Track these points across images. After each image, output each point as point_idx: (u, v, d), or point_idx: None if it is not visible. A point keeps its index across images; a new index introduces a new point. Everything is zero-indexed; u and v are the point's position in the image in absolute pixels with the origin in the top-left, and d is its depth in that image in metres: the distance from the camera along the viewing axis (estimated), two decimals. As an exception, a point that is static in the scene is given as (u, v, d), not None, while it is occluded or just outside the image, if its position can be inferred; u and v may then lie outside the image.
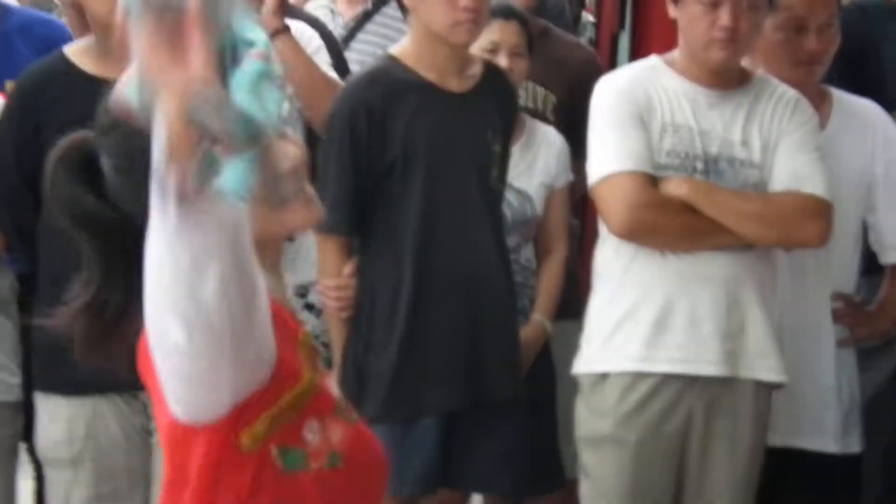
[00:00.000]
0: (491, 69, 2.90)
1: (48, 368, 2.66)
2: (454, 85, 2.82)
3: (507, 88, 2.96)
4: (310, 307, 3.18)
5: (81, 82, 2.60)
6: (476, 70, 2.86)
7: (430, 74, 2.80)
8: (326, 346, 3.10)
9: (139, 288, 1.32)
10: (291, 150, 1.46)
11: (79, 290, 1.43)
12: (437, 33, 2.76)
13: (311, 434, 1.42)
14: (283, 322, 1.41)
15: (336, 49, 3.34)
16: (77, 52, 2.68)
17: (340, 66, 3.25)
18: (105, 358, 1.42)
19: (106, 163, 1.42)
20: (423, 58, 2.80)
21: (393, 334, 2.78)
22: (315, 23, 3.34)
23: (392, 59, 2.83)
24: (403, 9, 2.82)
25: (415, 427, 2.81)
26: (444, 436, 2.84)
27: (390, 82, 2.78)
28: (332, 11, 3.81)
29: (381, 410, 2.80)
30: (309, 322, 3.17)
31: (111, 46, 2.61)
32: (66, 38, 3.06)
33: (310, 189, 1.48)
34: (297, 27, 3.11)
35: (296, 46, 3.01)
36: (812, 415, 2.84)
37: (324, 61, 3.11)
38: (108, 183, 1.43)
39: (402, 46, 2.85)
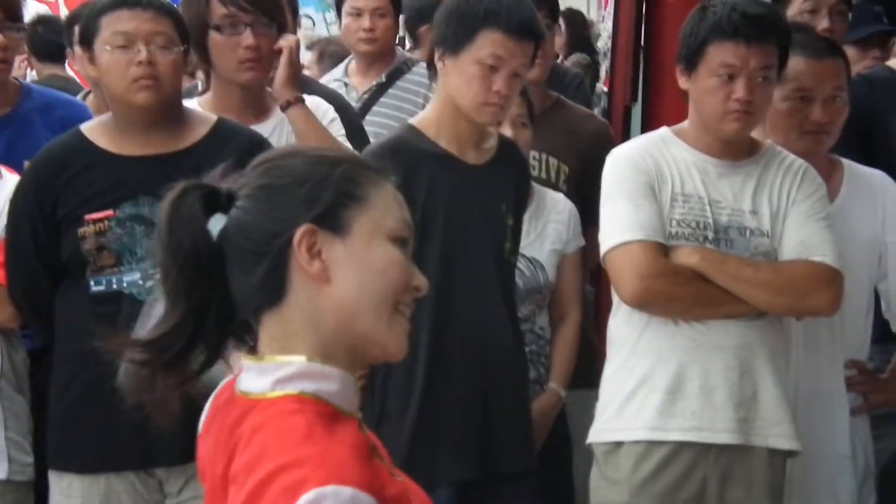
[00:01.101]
0: (506, 143, 2.94)
1: (62, 447, 2.67)
2: (472, 157, 2.85)
3: (520, 162, 3.00)
4: None
5: (99, 159, 2.64)
6: (492, 143, 2.90)
7: (449, 146, 2.83)
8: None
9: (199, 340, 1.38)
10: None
11: (155, 326, 1.44)
12: (464, 109, 2.79)
13: None
14: (388, 496, 1.40)
15: (355, 122, 3.39)
16: (94, 129, 2.73)
17: (359, 136, 3.29)
18: (149, 397, 1.45)
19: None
20: (443, 129, 2.83)
21: (409, 404, 2.79)
22: (332, 96, 3.39)
23: (412, 129, 2.87)
24: (433, 72, 2.86)
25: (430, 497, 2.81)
26: None
27: (411, 151, 2.82)
28: (346, 85, 3.87)
29: None
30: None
31: (128, 123, 2.67)
32: (85, 118, 3.13)
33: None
34: (312, 101, 3.15)
35: (308, 116, 3.06)
36: (827, 483, 2.84)
37: (337, 132, 3.16)
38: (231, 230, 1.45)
39: (423, 116, 2.89)
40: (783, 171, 2.73)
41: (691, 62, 2.69)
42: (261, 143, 2.78)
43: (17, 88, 3.17)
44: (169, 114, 2.69)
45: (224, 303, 1.45)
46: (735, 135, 2.67)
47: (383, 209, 1.46)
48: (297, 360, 1.43)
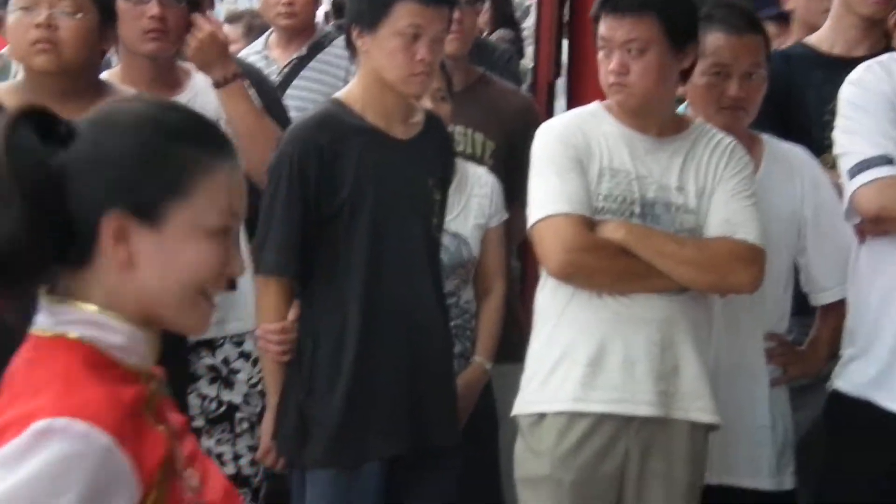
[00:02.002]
0: (432, 117, 2.93)
1: None
2: (399, 132, 2.84)
3: (445, 136, 2.99)
4: (245, 355, 3.16)
5: None
6: (419, 118, 2.88)
7: (376, 120, 2.81)
8: (262, 394, 3.09)
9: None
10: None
11: None
12: (390, 82, 2.78)
13: None
14: (149, 460, 1.39)
15: (272, 96, 3.35)
16: (6, 92, 2.65)
17: (277, 110, 3.25)
18: None
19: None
20: (369, 104, 2.81)
21: (338, 380, 2.78)
22: (251, 71, 3.35)
23: (338, 104, 2.84)
24: (353, 51, 2.84)
25: (359, 473, 2.80)
26: (386, 482, 2.83)
27: (338, 126, 2.79)
28: (267, 58, 3.83)
29: (325, 456, 2.78)
30: (244, 370, 3.16)
31: (35, 93, 2.60)
32: None
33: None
34: None
35: (245, 94, 3.01)
36: (747, 453, 2.87)
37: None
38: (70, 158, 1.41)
39: (349, 91, 2.86)
40: (711, 147, 2.75)
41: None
42: None
43: None
44: (78, 84, 2.61)
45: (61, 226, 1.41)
46: (620, 107, 2.70)
47: (207, 203, 1.42)
48: (87, 308, 1.42)
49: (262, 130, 2.99)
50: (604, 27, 2.68)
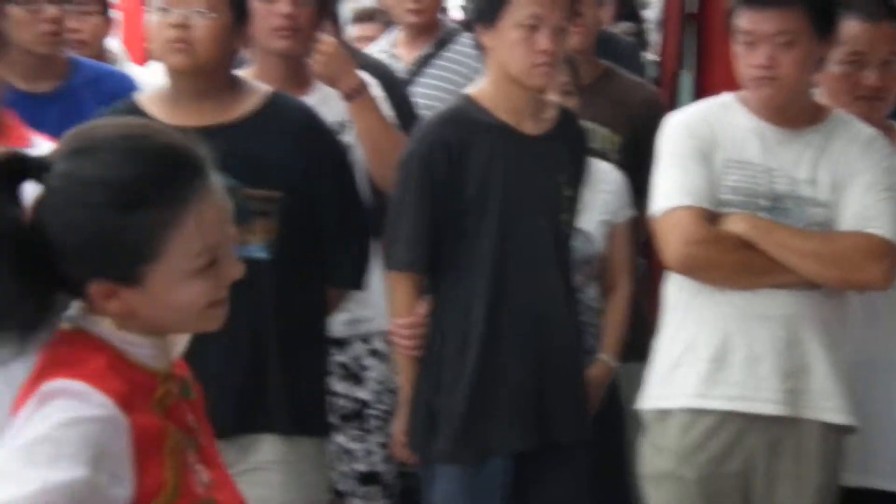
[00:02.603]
0: (565, 113, 2.92)
1: None
2: (529, 128, 2.84)
3: (579, 133, 2.98)
4: (376, 353, 3.20)
5: None
6: (551, 114, 2.88)
7: (506, 116, 2.82)
8: (393, 392, 3.12)
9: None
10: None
11: None
12: (514, 76, 2.78)
13: None
14: (149, 434, 1.45)
15: (403, 96, 3.37)
16: (149, 98, 2.73)
17: (407, 111, 3.26)
18: None
19: (54, 186, 1.45)
20: (499, 99, 2.82)
21: (463, 374, 2.79)
22: (379, 69, 3.36)
23: (468, 100, 2.86)
24: (481, 48, 2.85)
25: (484, 468, 2.81)
26: (512, 477, 2.83)
27: (467, 122, 2.81)
28: (393, 56, 3.85)
29: (450, 450, 2.80)
30: (375, 368, 3.19)
31: (177, 92, 2.67)
32: (133, 91, 3.13)
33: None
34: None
35: (372, 106, 3.02)
36: (890, 453, 2.79)
37: (385, 112, 3.13)
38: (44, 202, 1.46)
39: (479, 87, 2.88)
40: (848, 138, 2.68)
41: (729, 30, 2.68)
42: (317, 120, 2.76)
43: (66, 62, 3.18)
44: (215, 83, 2.67)
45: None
46: (764, 101, 2.65)
47: (181, 254, 1.46)
48: (104, 323, 1.49)
49: (390, 142, 3.00)
50: (746, 20, 2.63)
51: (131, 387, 1.45)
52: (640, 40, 5.59)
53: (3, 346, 1.44)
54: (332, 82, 3.00)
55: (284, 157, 2.65)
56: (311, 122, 2.75)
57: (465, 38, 3.77)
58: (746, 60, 2.64)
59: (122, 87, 3.14)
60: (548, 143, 2.85)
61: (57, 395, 1.40)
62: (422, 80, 3.79)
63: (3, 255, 1.41)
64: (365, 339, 3.15)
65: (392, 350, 3.02)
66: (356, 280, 2.79)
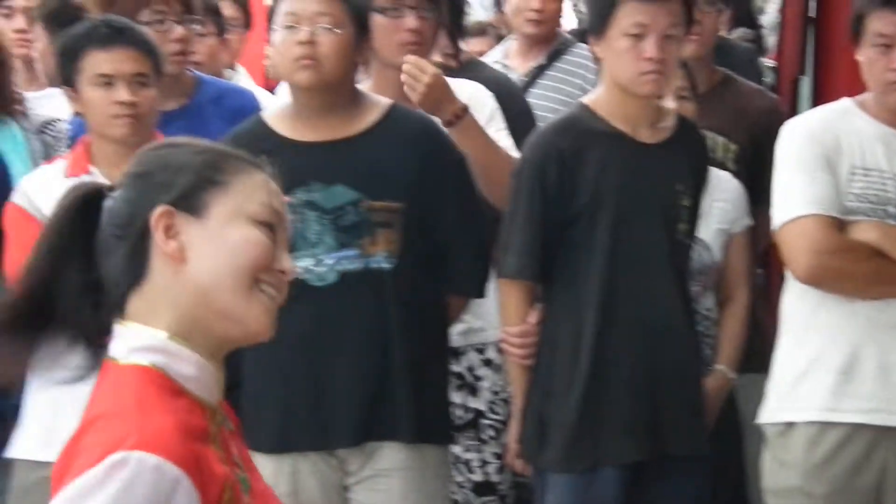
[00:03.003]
0: (684, 123, 2.90)
1: (251, 429, 2.73)
2: (646, 136, 2.82)
3: (699, 142, 2.95)
4: (488, 363, 3.19)
5: (276, 145, 2.67)
6: (669, 122, 2.86)
7: (621, 124, 2.81)
8: (507, 402, 3.11)
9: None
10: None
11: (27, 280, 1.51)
12: (623, 85, 2.77)
13: None
14: (212, 494, 1.44)
15: (521, 108, 3.33)
16: (274, 115, 2.77)
17: (524, 122, 3.23)
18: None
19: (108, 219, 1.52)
20: (614, 107, 2.81)
21: (574, 383, 2.78)
22: (500, 81, 3.34)
23: (584, 108, 2.85)
24: (595, 58, 2.85)
25: (595, 478, 2.79)
26: (625, 489, 2.80)
27: (582, 131, 2.81)
28: (506, 67, 3.86)
29: (560, 459, 2.79)
30: (488, 378, 3.19)
31: (302, 108, 2.70)
32: (256, 108, 3.17)
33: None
34: (471, 90, 3.11)
35: (476, 127, 2.99)
36: None
37: (497, 126, 3.10)
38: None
39: (595, 95, 2.87)
40: None
41: (855, 33, 2.63)
42: (436, 130, 2.79)
43: (192, 80, 3.25)
44: (339, 98, 2.70)
45: (89, 285, 1.51)
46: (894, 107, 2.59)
47: (246, 194, 1.50)
48: (155, 335, 1.48)
49: (497, 161, 2.97)
50: (882, 23, 2.58)
51: (192, 438, 1.44)
52: (758, 46, 5.52)
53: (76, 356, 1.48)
54: (433, 112, 2.96)
55: (405, 168, 2.68)
56: (430, 133, 2.78)
57: (580, 49, 3.76)
58: (881, 64, 2.58)
59: (245, 104, 3.20)
60: (665, 151, 2.83)
61: (126, 468, 1.38)
62: (535, 90, 3.79)
63: (73, 273, 1.48)
64: (479, 349, 3.15)
65: (504, 359, 3.02)
66: (478, 288, 2.81)
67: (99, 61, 2.73)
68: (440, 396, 2.78)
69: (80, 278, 1.50)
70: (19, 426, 2.73)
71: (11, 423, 2.77)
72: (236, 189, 1.50)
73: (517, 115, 3.19)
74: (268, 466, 2.65)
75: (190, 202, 1.48)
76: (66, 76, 2.80)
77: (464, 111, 2.96)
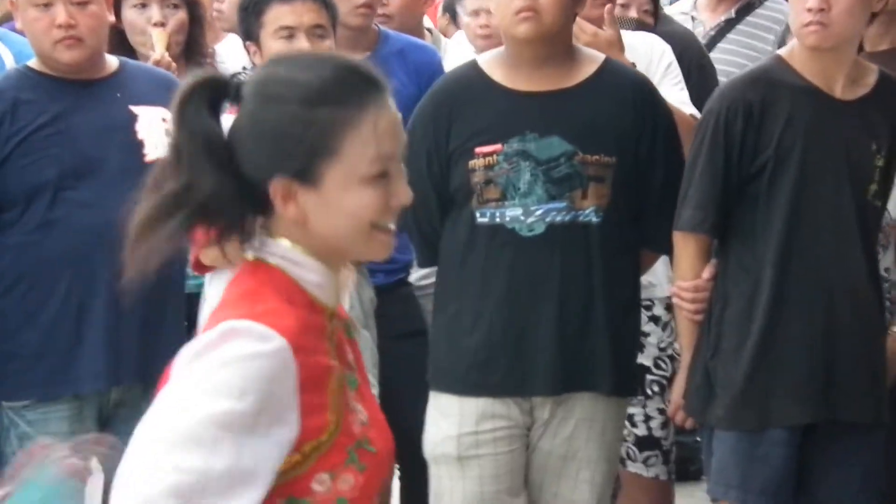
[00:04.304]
0: (887, 79, 2.81)
1: (440, 370, 2.77)
2: (841, 92, 2.76)
3: None
4: (655, 319, 3.19)
5: (491, 92, 2.72)
6: (871, 80, 2.79)
7: (815, 79, 2.75)
8: (672, 358, 3.10)
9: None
10: None
11: (165, 181, 1.56)
12: (796, 36, 2.72)
13: (320, 486, 1.52)
14: (315, 374, 1.51)
15: (702, 62, 3.30)
16: (489, 62, 2.79)
17: (706, 76, 3.19)
18: (137, 248, 1.55)
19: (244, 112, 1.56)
20: (808, 60, 2.75)
21: (745, 343, 2.73)
22: (681, 35, 3.30)
23: (778, 60, 2.80)
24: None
25: (763, 438, 2.74)
26: (797, 451, 2.75)
27: (772, 83, 2.76)
28: (694, 19, 3.80)
29: (727, 418, 2.75)
30: (654, 334, 3.19)
31: (517, 58, 2.72)
32: (438, 63, 3.23)
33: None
34: (649, 42, 3.10)
35: None
36: None
37: (673, 78, 3.08)
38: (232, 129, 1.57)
39: (791, 47, 2.81)
40: None
41: None
42: (649, 87, 2.81)
43: (376, 34, 3.30)
44: (555, 49, 2.72)
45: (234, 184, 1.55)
46: None
47: (356, 155, 1.54)
48: (281, 243, 1.57)
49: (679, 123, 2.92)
50: None
51: (304, 323, 1.52)
52: None
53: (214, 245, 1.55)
54: None
55: (619, 123, 2.70)
56: (644, 89, 2.79)
57: (773, 2, 3.67)
58: None
59: (427, 59, 3.27)
60: (862, 108, 2.75)
61: (237, 335, 1.48)
62: (722, 45, 3.72)
63: (209, 159, 1.53)
64: (647, 305, 3.14)
65: (673, 315, 3.00)
66: (672, 245, 2.81)
67: (282, 14, 2.82)
68: (633, 350, 2.82)
69: (223, 173, 1.55)
70: None
71: None
72: (347, 153, 1.54)
73: (696, 69, 3.14)
74: (454, 405, 2.70)
75: (305, 175, 1.54)
76: (249, 30, 2.89)
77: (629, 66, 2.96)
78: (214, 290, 2.83)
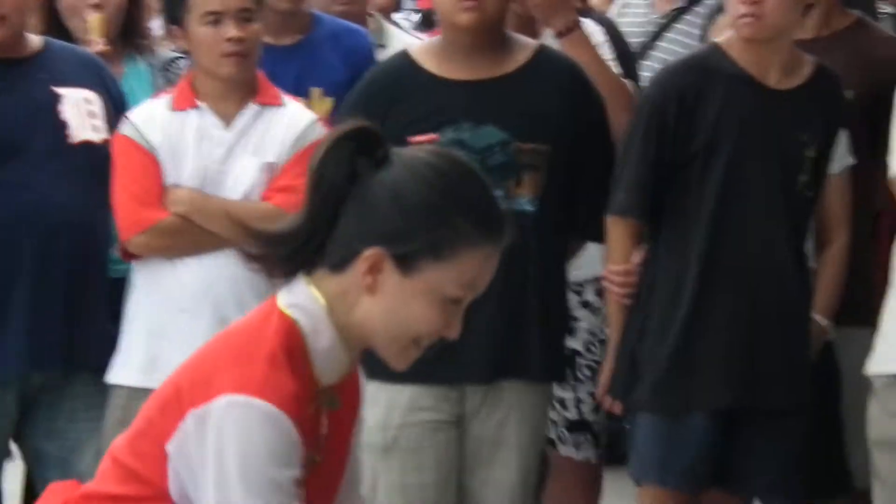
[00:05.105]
0: (824, 72, 2.85)
1: (369, 356, 2.78)
2: (775, 81, 2.80)
3: (835, 93, 2.89)
4: (586, 304, 3.21)
5: (424, 81, 2.74)
6: (806, 71, 2.83)
7: (750, 67, 2.79)
8: (603, 342, 3.12)
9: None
10: None
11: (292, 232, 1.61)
12: (731, 24, 2.76)
13: None
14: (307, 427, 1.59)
15: (623, 49, 3.34)
16: (421, 51, 2.81)
17: (626, 64, 3.23)
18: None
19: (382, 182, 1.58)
20: (744, 50, 2.79)
21: (671, 327, 2.78)
22: (606, 22, 3.34)
23: (715, 48, 2.85)
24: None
25: (684, 422, 2.78)
26: (718, 436, 2.79)
27: (707, 71, 2.80)
28: (650, 6, 3.78)
29: (650, 400, 2.80)
30: (585, 319, 3.21)
31: (453, 46, 2.74)
32: (370, 47, 3.22)
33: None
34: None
35: (586, 43, 3.02)
36: None
37: (607, 55, 3.12)
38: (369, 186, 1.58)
39: (729, 36, 2.85)
40: None
41: None
42: (582, 74, 2.82)
43: (309, 17, 3.30)
44: (492, 38, 2.74)
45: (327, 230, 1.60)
46: None
47: (457, 273, 1.57)
48: (318, 302, 1.60)
49: (603, 80, 2.96)
50: None
51: (298, 403, 1.56)
52: None
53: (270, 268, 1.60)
54: (546, 18, 2.99)
55: (553, 110, 2.72)
56: (577, 76, 2.81)
57: None
58: None
59: (360, 43, 3.25)
60: (795, 98, 2.79)
61: (252, 412, 1.54)
62: (669, 34, 3.74)
63: (328, 202, 1.57)
64: (577, 290, 3.17)
65: (603, 300, 3.05)
66: (603, 234, 2.85)
67: None
68: (562, 336, 2.87)
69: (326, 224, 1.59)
70: (120, 352, 2.83)
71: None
72: (452, 267, 1.57)
73: (620, 54, 3.16)
74: (382, 393, 2.70)
75: (405, 261, 1.57)
76: (173, 15, 2.86)
77: (576, 24, 2.99)
78: (142, 278, 2.81)
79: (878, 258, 3.04)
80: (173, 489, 1.57)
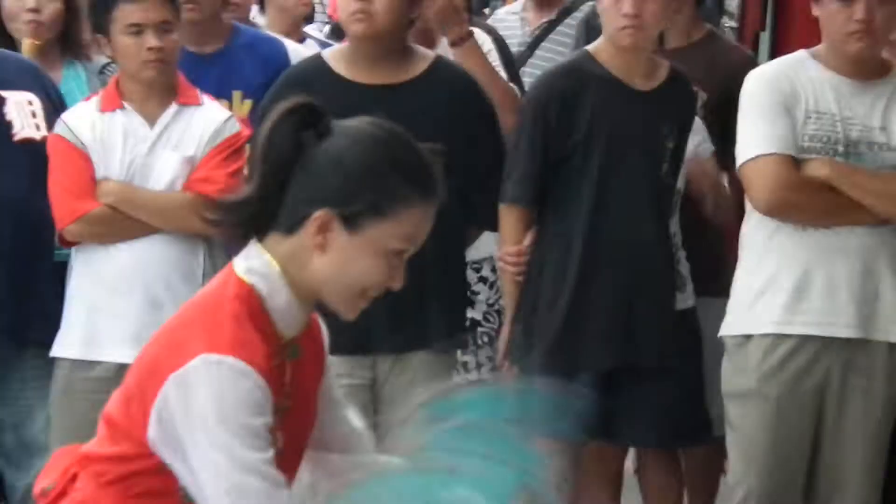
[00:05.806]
0: (677, 74, 3.18)
1: None
2: (639, 84, 3.11)
3: (687, 92, 3.23)
4: (483, 280, 3.56)
5: (334, 83, 2.96)
6: (662, 73, 3.15)
7: (618, 72, 3.09)
8: (500, 312, 3.46)
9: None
10: None
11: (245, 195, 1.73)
12: (608, 36, 3.07)
13: None
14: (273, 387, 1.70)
15: (508, 59, 3.64)
16: (333, 55, 3.05)
17: (511, 71, 3.55)
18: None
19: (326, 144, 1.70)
20: (612, 57, 3.09)
21: (559, 299, 3.08)
22: (491, 32, 3.66)
23: (587, 55, 3.15)
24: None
25: (573, 382, 3.00)
26: (602, 394, 3.06)
27: (582, 75, 3.10)
28: (522, 19, 4.09)
29: (543, 364, 3.09)
30: (483, 292, 3.55)
31: (358, 52, 2.98)
32: (284, 55, 3.43)
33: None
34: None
35: (477, 53, 3.33)
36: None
37: (495, 61, 3.43)
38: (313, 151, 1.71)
39: (598, 44, 3.16)
40: None
41: None
42: (473, 82, 3.09)
43: (229, 27, 3.48)
44: (390, 46, 2.99)
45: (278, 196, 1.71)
46: (859, 54, 2.85)
47: (397, 228, 1.70)
48: (271, 265, 1.72)
49: (492, 85, 3.28)
50: None
51: (264, 358, 1.68)
52: (720, 7, 5.75)
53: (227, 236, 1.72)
54: (440, 27, 3.29)
55: (447, 114, 2.96)
56: (469, 84, 3.08)
57: (587, 7, 3.98)
58: (842, 17, 2.80)
59: (275, 52, 3.46)
60: (655, 98, 3.11)
61: (224, 368, 1.65)
62: (543, 45, 4.00)
63: (276, 172, 1.68)
64: (475, 267, 3.48)
65: (499, 276, 3.37)
66: (497, 222, 3.14)
67: (130, 12, 2.96)
68: (463, 312, 3.14)
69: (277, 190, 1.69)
70: (62, 328, 3.00)
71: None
72: (394, 223, 1.69)
73: (506, 62, 3.50)
74: None
75: (351, 220, 1.68)
76: (99, 25, 3.03)
77: (469, 34, 3.30)
78: (79, 262, 3.05)
79: (729, 237, 3.38)
80: (157, 446, 1.68)
